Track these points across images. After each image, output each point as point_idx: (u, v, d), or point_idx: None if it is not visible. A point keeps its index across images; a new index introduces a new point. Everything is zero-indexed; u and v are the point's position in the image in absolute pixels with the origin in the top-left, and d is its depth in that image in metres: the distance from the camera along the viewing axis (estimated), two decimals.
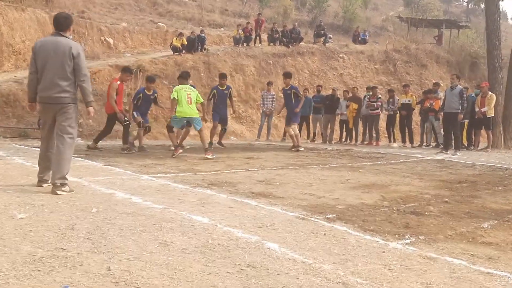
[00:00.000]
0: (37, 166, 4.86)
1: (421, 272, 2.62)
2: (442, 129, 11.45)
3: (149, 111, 9.82)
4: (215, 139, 10.50)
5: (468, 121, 11.62)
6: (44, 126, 4.76)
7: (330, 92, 14.51)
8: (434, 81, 15.70)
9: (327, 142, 13.64)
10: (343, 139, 13.82)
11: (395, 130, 13.44)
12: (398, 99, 12.88)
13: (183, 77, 8.68)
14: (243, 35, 19.63)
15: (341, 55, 21.93)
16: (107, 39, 18.39)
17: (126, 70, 9.15)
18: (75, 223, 3.31)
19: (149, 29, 20.94)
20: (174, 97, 8.05)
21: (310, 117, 13.93)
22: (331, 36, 24.32)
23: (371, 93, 13.28)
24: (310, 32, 25.20)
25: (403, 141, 13.00)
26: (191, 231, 3.24)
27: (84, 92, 4.58)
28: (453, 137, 10.57)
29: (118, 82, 8.72)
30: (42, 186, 4.65)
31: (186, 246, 2.89)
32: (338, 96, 13.92)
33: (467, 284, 2.47)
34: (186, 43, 17.24)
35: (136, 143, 9.11)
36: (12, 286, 2.17)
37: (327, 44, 22.24)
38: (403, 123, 12.90)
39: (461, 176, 6.76)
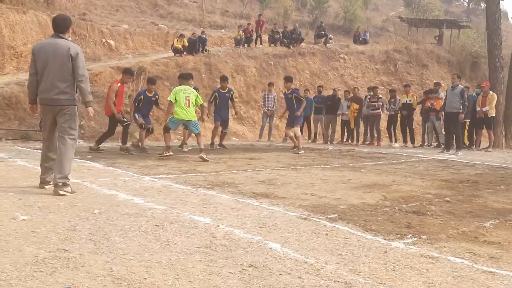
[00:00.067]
0: (39, 168, 4.88)
1: (423, 272, 2.62)
2: (443, 129, 11.44)
3: (150, 113, 9.83)
4: (216, 140, 10.53)
5: (469, 120, 11.62)
6: (45, 128, 4.80)
7: (331, 92, 14.50)
8: (435, 81, 15.71)
9: (329, 143, 13.64)
10: (345, 140, 13.82)
11: (396, 130, 13.43)
12: (399, 99, 12.87)
13: (184, 78, 8.65)
14: (244, 36, 19.65)
15: (342, 56, 21.94)
16: (108, 41, 18.42)
17: (127, 72, 9.18)
18: (77, 224, 3.32)
19: (150, 31, 20.96)
20: (171, 100, 8.03)
21: (311, 118, 13.94)
22: (332, 36, 24.33)
23: (371, 93, 13.29)
24: (310, 33, 25.21)
25: (405, 141, 13.00)
26: (193, 232, 3.25)
27: (83, 92, 4.59)
28: (454, 137, 10.57)
29: (119, 84, 8.74)
30: (44, 188, 4.67)
31: (188, 247, 2.89)
32: (339, 96, 13.92)
33: (469, 283, 2.47)
34: (187, 44, 17.26)
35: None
36: (14, 287, 2.18)
37: (328, 45, 22.26)
38: (404, 123, 12.89)
39: (463, 175, 6.75)
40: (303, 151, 9.82)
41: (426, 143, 12.88)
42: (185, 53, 17.11)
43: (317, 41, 22.62)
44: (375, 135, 13.12)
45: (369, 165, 7.85)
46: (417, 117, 14.99)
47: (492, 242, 3.28)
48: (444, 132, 11.28)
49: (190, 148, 9.73)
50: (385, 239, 3.25)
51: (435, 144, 12.67)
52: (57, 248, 2.76)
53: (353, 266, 2.67)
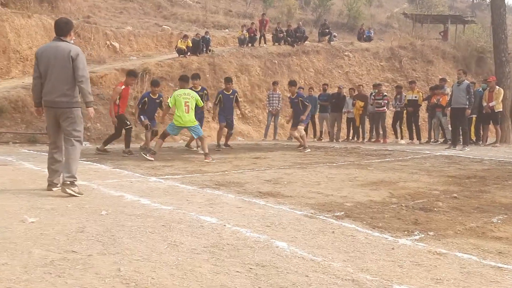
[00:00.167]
0: (46, 170, 4.91)
1: (431, 268, 2.61)
2: (449, 125, 11.38)
3: (156, 114, 9.87)
4: (222, 140, 10.56)
5: (476, 116, 11.55)
6: (49, 130, 4.85)
7: (336, 90, 14.48)
8: (440, 77, 15.59)
9: (334, 141, 13.62)
10: (350, 137, 13.79)
11: (402, 127, 13.38)
12: (405, 96, 12.82)
13: (184, 80, 8.49)
14: (247, 36, 19.64)
15: (346, 53, 21.87)
16: (112, 43, 18.50)
17: (131, 74, 9.21)
18: (85, 226, 3.34)
19: (154, 32, 21.02)
20: (169, 104, 7.97)
21: (317, 116, 13.92)
22: (336, 34, 24.26)
23: (376, 90, 13.24)
24: (314, 31, 25.14)
25: (411, 137, 12.94)
26: (200, 232, 3.26)
27: (83, 92, 4.63)
28: (461, 133, 10.51)
29: (123, 87, 8.78)
30: (52, 190, 4.71)
31: (195, 246, 2.90)
32: (344, 94, 13.90)
33: (477, 279, 2.46)
34: (191, 45, 17.28)
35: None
36: None
37: (332, 43, 22.20)
38: (410, 119, 12.84)
39: (470, 171, 6.72)
40: (309, 150, 9.80)
41: (432, 140, 12.83)
42: (189, 53, 17.14)
43: (321, 39, 22.57)
44: (381, 132, 13.08)
45: (375, 163, 7.83)
46: (423, 113, 14.92)
47: (500, 237, 3.27)
48: (450, 128, 11.22)
49: (199, 146, 9.71)
50: (392, 236, 3.24)
51: (441, 140, 12.62)
52: (65, 249, 2.79)
53: (361, 263, 2.67)
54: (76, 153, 4.65)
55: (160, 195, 4.61)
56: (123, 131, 8.93)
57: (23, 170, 6.34)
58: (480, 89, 11.89)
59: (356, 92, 13.67)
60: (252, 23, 20.99)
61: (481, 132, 12.00)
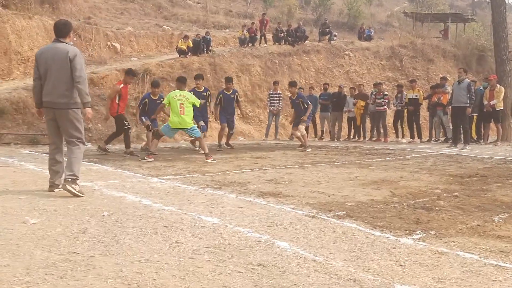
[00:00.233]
0: (47, 171, 4.92)
1: (432, 267, 2.61)
2: (450, 124, 11.38)
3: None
4: (223, 140, 10.57)
5: (476, 114, 11.54)
6: (50, 131, 4.86)
7: (336, 89, 14.48)
8: (441, 76, 15.60)
9: (335, 140, 13.63)
10: (351, 136, 13.79)
11: (403, 126, 13.38)
12: (405, 95, 12.82)
13: (181, 81, 8.27)
14: (248, 36, 19.63)
15: (346, 53, 21.86)
16: (113, 44, 18.50)
17: (129, 73, 9.20)
18: (87, 227, 3.34)
19: (155, 33, 21.01)
20: (165, 103, 7.97)
21: (317, 115, 13.92)
22: (336, 33, 24.22)
23: (377, 89, 13.24)
24: (315, 31, 25.13)
25: (412, 136, 12.94)
26: (202, 232, 3.26)
27: (80, 92, 4.63)
28: (462, 131, 10.50)
29: (122, 85, 8.79)
30: (54, 191, 4.72)
31: (196, 247, 2.90)
32: (345, 93, 13.90)
33: (479, 278, 2.46)
34: (191, 45, 17.28)
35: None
36: None
37: (332, 42, 22.19)
38: (411, 118, 12.83)
39: (471, 170, 6.71)
40: (310, 149, 9.81)
41: (433, 138, 12.82)
42: (190, 54, 17.14)
43: (322, 38, 22.56)
44: (382, 131, 13.08)
45: (376, 162, 7.83)
46: (424, 112, 14.90)
47: (502, 236, 3.27)
48: (451, 127, 11.22)
49: (197, 148, 9.74)
50: (393, 236, 3.24)
51: (442, 139, 12.61)
52: (67, 251, 2.79)
53: (362, 263, 2.67)
54: (79, 153, 4.68)
55: (162, 196, 4.61)
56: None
57: (24, 172, 6.35)
58: (481, 88, 11.89)
59: (357, 91, 13.67)
60: (253, 23, 20.98)
61: (482, 131, 11.99)
